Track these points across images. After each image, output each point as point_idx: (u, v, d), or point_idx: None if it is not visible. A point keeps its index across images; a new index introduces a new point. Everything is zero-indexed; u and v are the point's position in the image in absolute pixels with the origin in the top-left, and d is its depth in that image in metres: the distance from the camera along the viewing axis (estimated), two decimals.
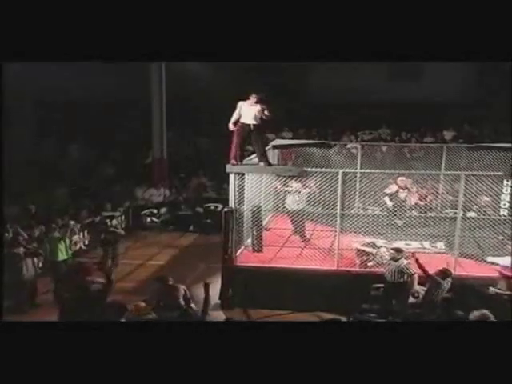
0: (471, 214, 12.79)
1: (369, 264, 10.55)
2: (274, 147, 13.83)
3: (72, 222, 11.99)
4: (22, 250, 10.75)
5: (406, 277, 9.28)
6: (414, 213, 12.64)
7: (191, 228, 16.06)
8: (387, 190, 12.78)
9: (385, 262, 9.95)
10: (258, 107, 10.27)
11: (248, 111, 10.28)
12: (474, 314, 7.01)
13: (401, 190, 12.56)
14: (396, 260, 9.42)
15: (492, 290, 9.47)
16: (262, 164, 10.64)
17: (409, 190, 12.67)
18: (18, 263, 10.55)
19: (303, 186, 12.10)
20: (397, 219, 12.00)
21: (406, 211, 12.35)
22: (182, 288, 8.91)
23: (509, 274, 9.53)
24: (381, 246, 10.83)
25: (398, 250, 9.64)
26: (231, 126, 10.35)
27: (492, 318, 6.78)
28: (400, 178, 12.61)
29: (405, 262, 9.46)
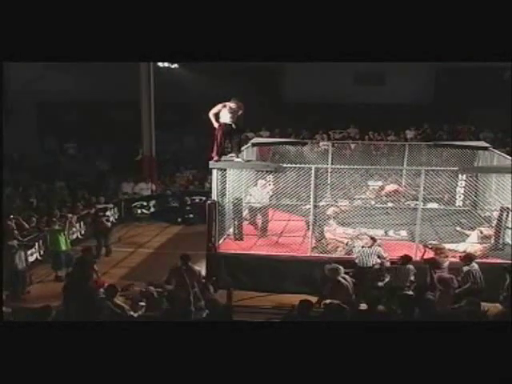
0: (431, 205, 12.95)
1: (339, 251, 10.61)
2: (253, 145, 13.81)
3: (70, 215, 11.87)
4: (15, 242, 10.53)
5: (378, 260, 9.51)
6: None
7: (179, 219, 15.97)
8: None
9: (357, 249, 9.83)
10: (237, 109, 10.38)
11: (229, 113, 10.32)
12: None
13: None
14: (371, 246, 9.63)
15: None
16: (237, 159, 10.68)
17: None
18: (12, 255, 10.30)
19: (267, 182, 12.07)
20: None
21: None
22: (198, 270, 9.08)
23: None
24: (351, 235, 10.90)
25: (373, 238, 9.83)
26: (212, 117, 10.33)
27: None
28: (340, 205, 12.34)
29: (378, 248, 9.71)
